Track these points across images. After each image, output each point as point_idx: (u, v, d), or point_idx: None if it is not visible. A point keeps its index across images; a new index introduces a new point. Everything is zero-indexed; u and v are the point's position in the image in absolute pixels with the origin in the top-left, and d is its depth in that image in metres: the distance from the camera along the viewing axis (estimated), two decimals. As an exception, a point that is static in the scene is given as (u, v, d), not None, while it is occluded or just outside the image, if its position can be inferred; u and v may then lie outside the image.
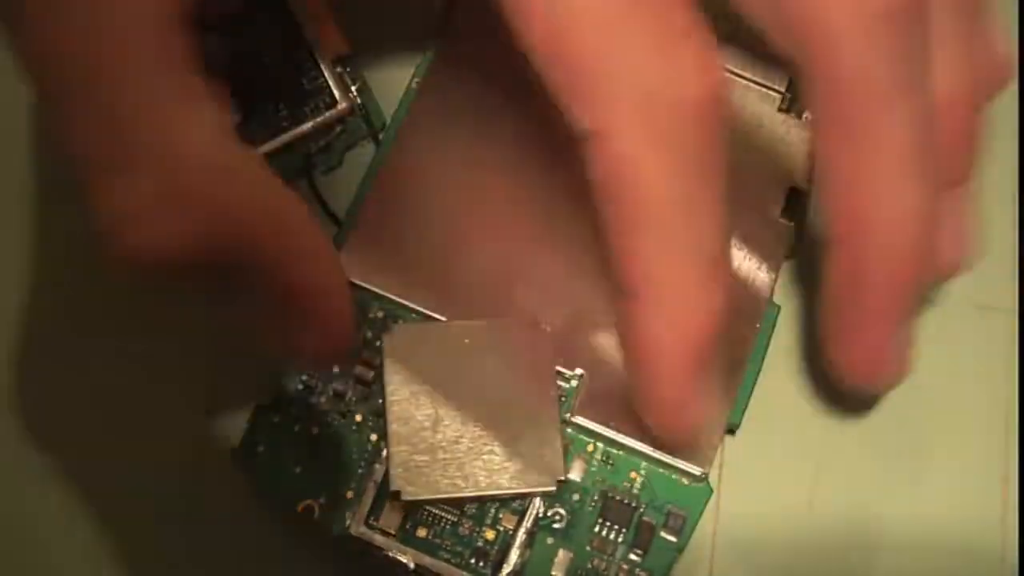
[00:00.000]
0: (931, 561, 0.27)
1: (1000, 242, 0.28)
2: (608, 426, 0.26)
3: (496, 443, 0.25)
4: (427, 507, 0.25)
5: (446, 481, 0.25)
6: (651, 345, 0.22)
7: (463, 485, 0.25)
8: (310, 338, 0.22)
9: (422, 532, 0.25)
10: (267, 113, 0.27)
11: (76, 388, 0.27)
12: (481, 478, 0.25)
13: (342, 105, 0.27)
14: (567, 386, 0.26)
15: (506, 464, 0.25)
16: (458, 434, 0.25)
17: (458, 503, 0.25)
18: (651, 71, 0.20)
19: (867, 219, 0.22)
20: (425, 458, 0.25)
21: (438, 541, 0.25)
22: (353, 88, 0.27)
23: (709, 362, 0.22)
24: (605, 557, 0.25)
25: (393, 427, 0.25)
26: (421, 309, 0.26)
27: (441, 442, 0.25)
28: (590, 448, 0.26)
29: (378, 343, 0.26)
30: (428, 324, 0.26)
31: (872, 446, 0.27)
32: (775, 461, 0.27)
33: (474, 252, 0.27)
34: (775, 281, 0.27)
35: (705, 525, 0.26)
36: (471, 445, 0.25)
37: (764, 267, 0.27)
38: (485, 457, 0.25)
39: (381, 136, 0.28)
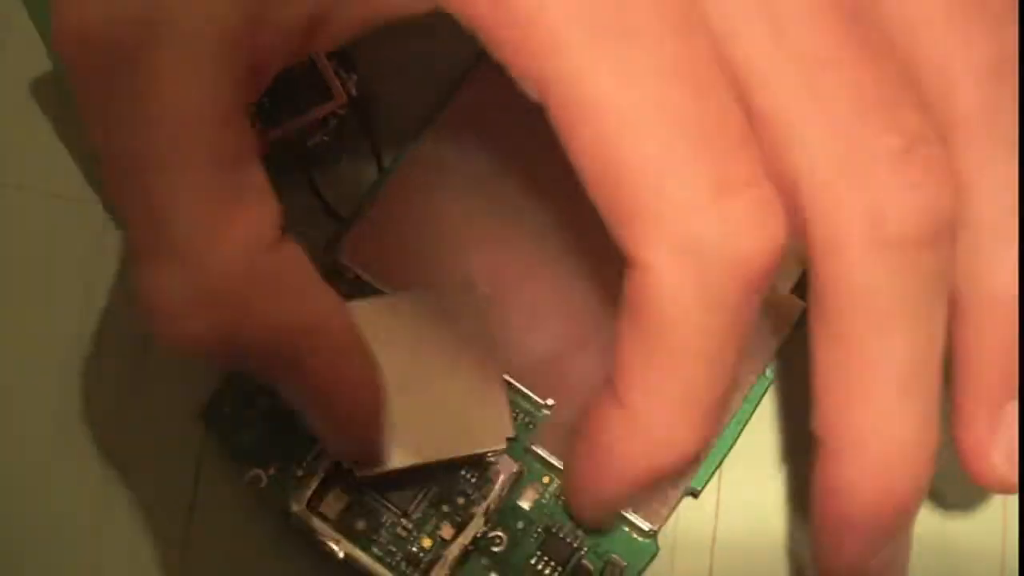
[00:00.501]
0: (931, 561, 0.26)
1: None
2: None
3: (443, 409, 0.25)
4: (374, 498, 0.25)
5: (399, 452, 0.24)
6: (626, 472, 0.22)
7: (414, 455, 0.24)
8: (333, 432, 0.23)
9: (360, 524, 0.25)
10: (263, 107, 0.27)
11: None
12: (433, 445, 0.24)
13: (339, 98, 0.27)
14: (538, 414, 0.26)
15: (455, 429, 0.25)
16: (406, 405, 0.24)
17: (415, 473, 0.25)
18: (705, 219, 0.18)
19: (856, 443, 0.21)
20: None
21: (374, 537, 0.25)
22: (350, 82, 0.27)
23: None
24: (535, 591, 0.25)
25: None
26: None
27: (390, 416, 0.24)
28: (546, 480, 0.26)
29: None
30: (373, 300, 0.26)
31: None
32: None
33: (470, 266, 0.26)
34: (773, 354, 0.26)
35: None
36: (419, 414, 0.25)
37: (765, 338, 0.26)
38: (435, 425, 0.25)
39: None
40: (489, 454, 0.25)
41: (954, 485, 0.27)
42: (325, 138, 0.27)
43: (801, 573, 0.26)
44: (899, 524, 0.22)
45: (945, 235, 0.20)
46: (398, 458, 0.24)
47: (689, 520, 0.26)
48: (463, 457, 0.25)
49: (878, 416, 0.20)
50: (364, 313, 0.25)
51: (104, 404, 0.27)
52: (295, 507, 0.25)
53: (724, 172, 0.18)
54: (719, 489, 0.27)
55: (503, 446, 0.25)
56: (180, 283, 0.20)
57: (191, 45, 0.20)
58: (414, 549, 0.25)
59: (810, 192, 0.19)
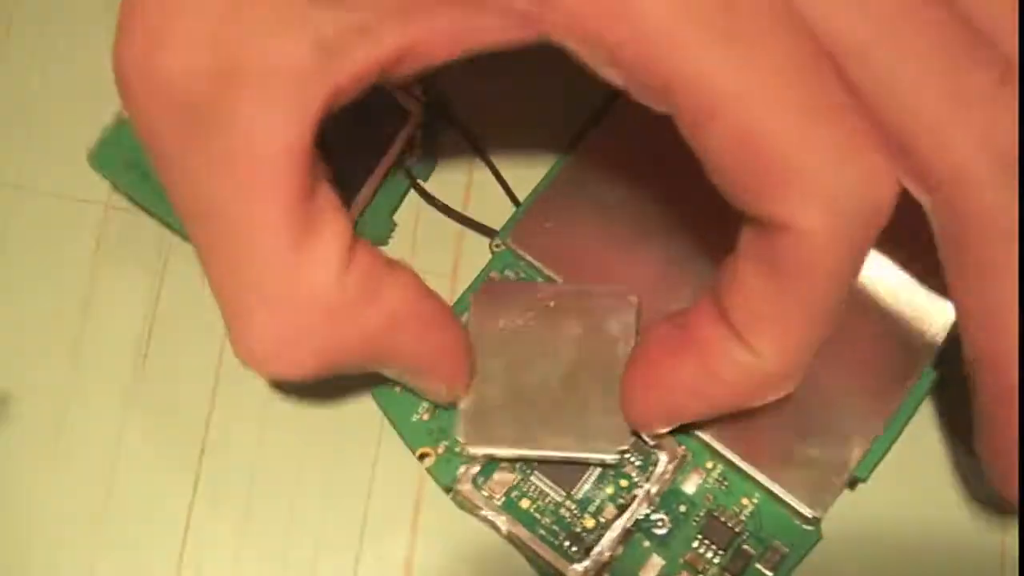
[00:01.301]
0: (932, 560, 0.26)
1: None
2: (733, 450, 0.25)
3: (565, 406, 0.25)
4: (539, 478, 0.26)
5: (510, 438, 0.25)
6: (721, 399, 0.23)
7: (526, 443, 0.25)
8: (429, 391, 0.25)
9: (525, 503, 0.26)
10: (351, 157, 0.27)
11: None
12: (545, 438, 0.25)
13: (416, 115, 0.27)
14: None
15: (572, 428, 0.25)
16: (529, 393, 0.25)
17: (520, 460, 0.26)
18: (847, 172, 0.20)
19: (1009, 356, 0.22)
20: (494, 413, 0.25)
21: (538, 516, 0.26)
22: (417, 90, 0.28)
23: None
24: (696, 573, 0.25)
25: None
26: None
27: (511, 399, 0.25)
28: (709, 465, 0.26)
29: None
30: (517, 283, 0.27)
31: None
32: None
33: (644, 252, 0.27)
34: (940, 347, 0.26)
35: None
36: (540, 405, 0.25)
37: (931, 330, 0.26)
38: (552, 419, 0.25)
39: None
40: (603, 459, 0.25)
41: (954, 484, 0.27)
42: (419, 151, 0.28)
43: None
44: None
45: None
46: (507, 445, 0.25)
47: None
48: (574, 458, 0.25)
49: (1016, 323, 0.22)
50: (514, 294, 0.26)
51: (104, 404, 0.28)
52: (462, 485, 0.25)
53: (851, 135, 0.20)
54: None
55: (615, 458, 0.25)
56: (275, 325, 0.21)
57: (266, 88, 0.20)
58: (577, 530, 0.25)
59: (925, 135, 0.21)
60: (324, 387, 0.28)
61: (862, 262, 0.21)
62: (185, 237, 0.27)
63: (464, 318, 0.26)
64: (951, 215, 0.21)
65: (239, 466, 0.27)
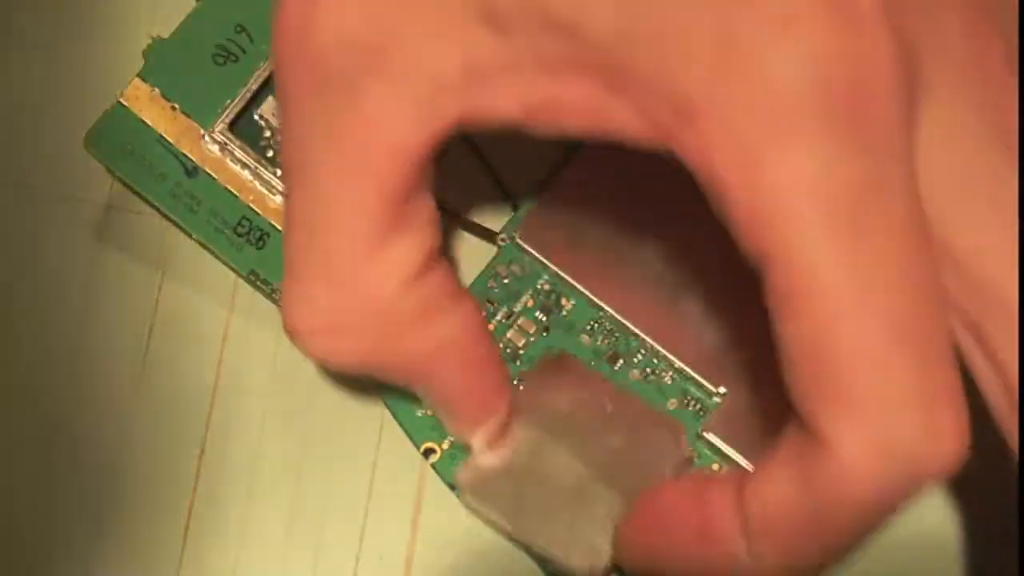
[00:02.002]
0: (932, 559, 0.26)
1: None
2: (737, 449, 0.26)
3: (567, 506, 0.25)
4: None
5: (501, 506, 0.25)
6: None
7: (512, 519, 0.25)
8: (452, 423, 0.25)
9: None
10: None
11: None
12: (532, 524, 0.25)
13: None
14: (707, 401, 0.26)
15: (561, 528, 0.25)
16: (541, 475, 0.25)
17: (503, 532, 0.26)
18: (909, 420, 0.19)
19: None
20: (500, 476, 0.25)
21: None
22: None
23: None
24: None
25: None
26: (585, 291, 0.27)
27: (522, 472, 0.25)
28: (715, 467, 0.26)
29: (539, 316, 0.27)
30: (587, 369, 0.26)
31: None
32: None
33: (647, 252, 0.27)
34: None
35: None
36: (545, 492, 0.25)
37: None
38: (550, 510, 0.25)
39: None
40: (573, 571, 0.25)
41: (953, 483, 0.27)
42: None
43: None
44: None
45: None
46: (496, 511, 0.25)
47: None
48: (550, 555, 0.25)
49: None
50: (575, 375, 0.26)
51: (104, 404, 0.28)
52: (461, 481, 0.26)
53: (930, 383, 0.19)
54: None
55: (586, 573, 0.25)
56: (328, 307, 0.21)
57: (403, 81, 0.20)
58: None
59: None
60: (324, 387, 0.28)
61: (900, 510, 0.20)
62: (179, 226, 0.27)
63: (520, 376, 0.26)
64: None
65: (239, 466, 0.27)
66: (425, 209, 0.22)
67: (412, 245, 0.21)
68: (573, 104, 0.20)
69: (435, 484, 0.27)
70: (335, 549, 0.27)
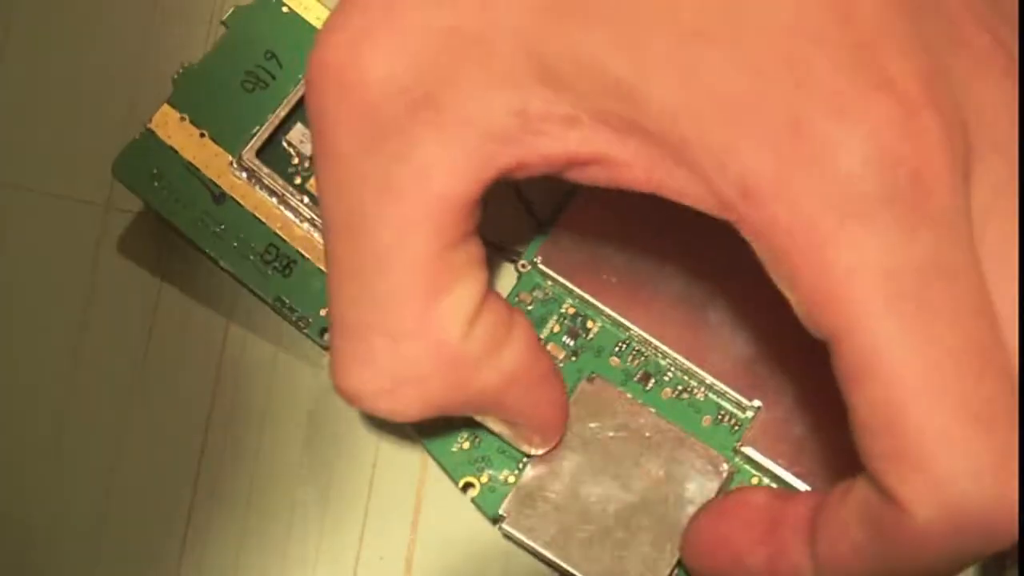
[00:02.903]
0: None
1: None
2: (776, 462, 0.26)
3: (610, 537, 0.25)
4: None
5: (547, 537, 0.25)
6: None
7: (557, 550, 0.25)
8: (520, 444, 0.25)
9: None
10: None
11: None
12: (577, 555, 0.25)
13: None
14: (741, 415, 0.26)
15: (605, 560, 0.25)
16: (584, 505, 0.25)
17: (546, 561, 0.26)
18: (977, 488, 0.19)
19: None
20: (544, 507, 0.25)
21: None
22: None
23: None
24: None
25: (540, 458, 0.26)
26: (611, 312, 0.27)
27: (565, 502, 0.25)
28: (754, 480, 0.26)
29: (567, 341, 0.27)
30: (627, 397, 0.26)
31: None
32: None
33: (670, 268, 0.27)
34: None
35: None
36: (589, 523, 0.25)
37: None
38: (593, 542, 0.25)
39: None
40: None
41: None
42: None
43: None
44: None
45: None
46: (540, 543, 0.25)
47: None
48: None
49: None
50: (618, 404, 0.26)
51: (104, 404, 0.28)
52: (504, 515, 0.26)
53: (1002, 453, 0.19)
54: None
55: None
56: (391, 360, 0.21)
57: (457, 134, 0.20)
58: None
59: None
60: (324, 387, 0.28)
61: (969, 565, 0.20)
62: (206, 252, 0.27)
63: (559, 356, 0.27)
64: None
65: (239, 466, 0.27)
66: (476, 249, 0.22)
67: (469, 286, 0.21)
68: (630, 164, 0.20)
69: (435, 484, 0.27)
70: (335, 549, 0.27)
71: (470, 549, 0.27)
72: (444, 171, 0.20)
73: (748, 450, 0.26)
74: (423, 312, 0.21)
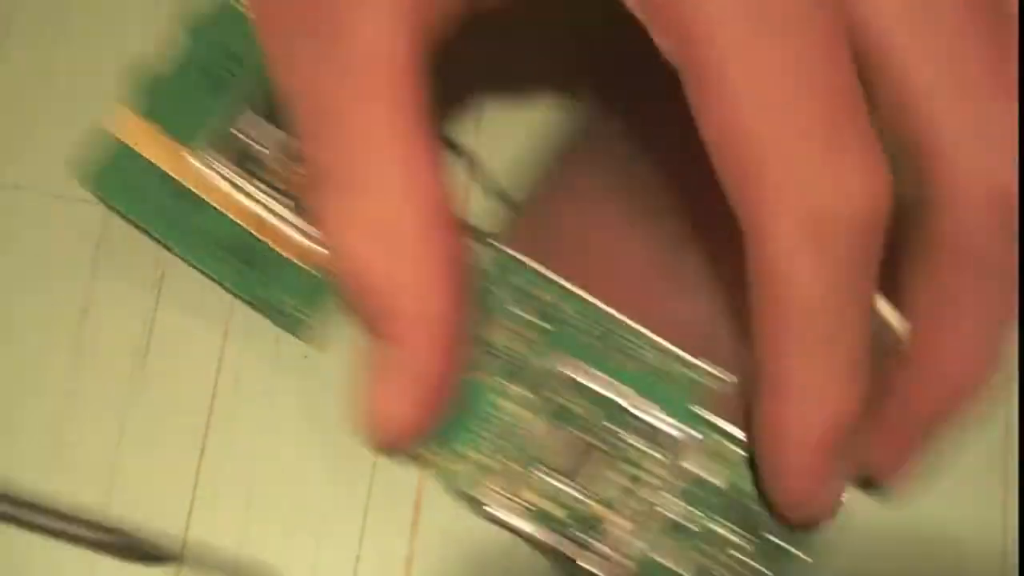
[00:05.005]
0: (931, 557, 0.26)
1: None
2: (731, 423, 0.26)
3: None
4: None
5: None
6: (780, 436, 0.23)
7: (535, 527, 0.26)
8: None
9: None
10: None
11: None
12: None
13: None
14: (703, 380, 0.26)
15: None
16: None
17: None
18: (819, 185, 0.20)
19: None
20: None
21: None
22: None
23: (836, 457, 0.23)
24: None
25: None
26: (579, 292, 0.27)
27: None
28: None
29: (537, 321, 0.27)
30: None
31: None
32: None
33: (638, 243, 0.27)
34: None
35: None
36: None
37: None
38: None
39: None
40: None
41: (954, 483, 0.27)
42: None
43: None
44: None
45: None
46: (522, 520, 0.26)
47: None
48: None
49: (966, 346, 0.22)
50: None
51: (104, 404, 0.28)
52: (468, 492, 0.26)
53: (835, 134, 0.19)
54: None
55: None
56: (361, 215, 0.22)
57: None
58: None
59: (934, 152, 0.21)
60: (324, 387, 0.28)
61: (852, 278, 0.21)
62: (173, 252, 0.27)
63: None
64: (936, 236, 0.21)
65: (239, 467, 0.27)
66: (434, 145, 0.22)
67: (427, 187, 0.22)
68: None
69: (435, 484, 0.27)
70: (335, 549, 0.27)
71: (470, 549, 0.27)
72: (380, 35, 0.20)
73: (697, 409, 0.26)
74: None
